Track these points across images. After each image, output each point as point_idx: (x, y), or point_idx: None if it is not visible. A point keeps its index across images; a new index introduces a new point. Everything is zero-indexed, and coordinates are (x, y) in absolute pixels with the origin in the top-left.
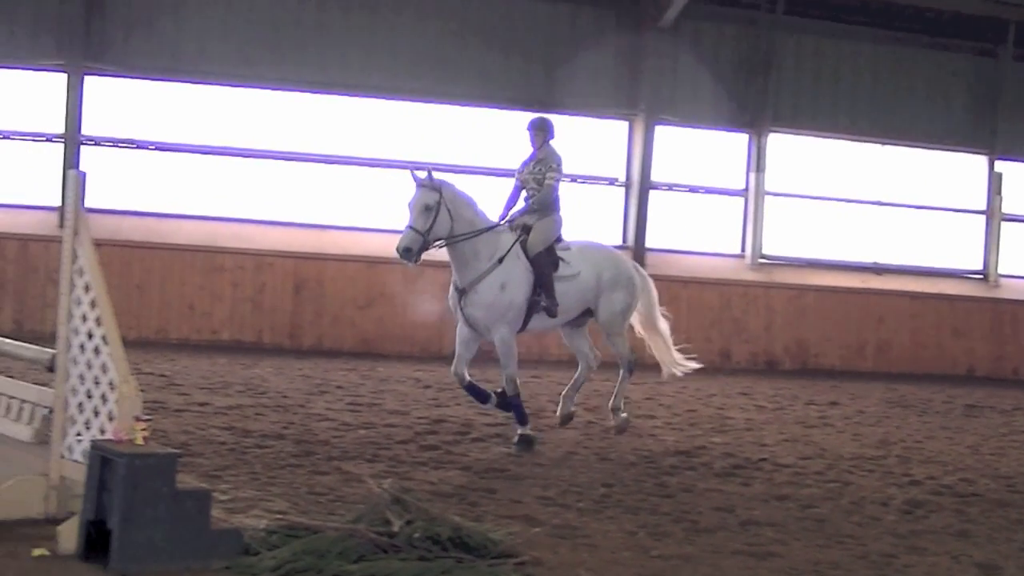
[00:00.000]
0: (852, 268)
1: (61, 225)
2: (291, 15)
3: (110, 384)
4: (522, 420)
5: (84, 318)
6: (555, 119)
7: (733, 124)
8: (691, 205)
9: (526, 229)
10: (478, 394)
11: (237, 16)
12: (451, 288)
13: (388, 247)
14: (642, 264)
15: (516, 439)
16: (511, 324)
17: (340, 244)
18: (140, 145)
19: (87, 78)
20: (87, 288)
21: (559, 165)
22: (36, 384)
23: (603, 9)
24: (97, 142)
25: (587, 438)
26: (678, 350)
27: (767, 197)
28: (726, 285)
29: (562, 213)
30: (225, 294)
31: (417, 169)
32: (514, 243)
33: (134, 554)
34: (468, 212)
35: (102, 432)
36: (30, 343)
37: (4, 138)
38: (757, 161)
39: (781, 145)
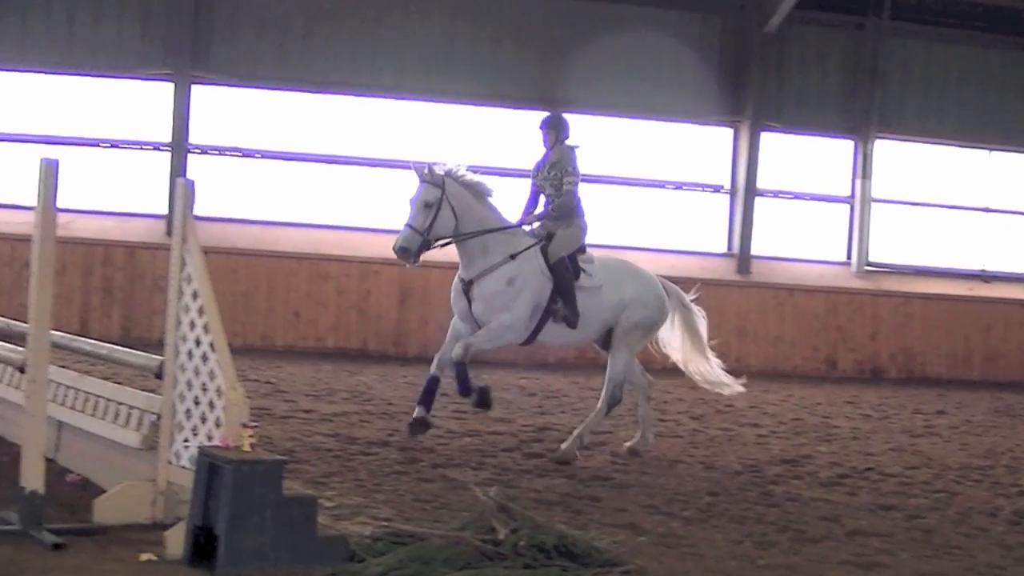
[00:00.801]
0: (959, 275)
1: (168, 233)
2: (396, 24)
3: (217, 391)
4: (463, 391)
5: (192, 325)
6: (656, 126)
7: (839, 130)
8: (796, 212)
9: (549, 236)
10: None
11: (345, 25)
12: (455, 279)
13: None
14: (747, 272)
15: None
16: (512, 319)
17: (445, 251)
18: (247, 153)
19: (194, 87)
20: (195, 295)
21: (575, 168)
22: (144, 390)
23: (708, 15)
24: (204, 150)
25: (692, 446)
26: (724, 369)
27: (873, 204)
28: (832, 293)
29: (587, 219)
30: (330, 301)
31: (422, 165)
32: (532, 245)
33: (240, 560)
34: (478, 209)
35: (209, 438)
36: (137, 350)
37: (112, 147)
38: (863, 167)
39: (887, 151)
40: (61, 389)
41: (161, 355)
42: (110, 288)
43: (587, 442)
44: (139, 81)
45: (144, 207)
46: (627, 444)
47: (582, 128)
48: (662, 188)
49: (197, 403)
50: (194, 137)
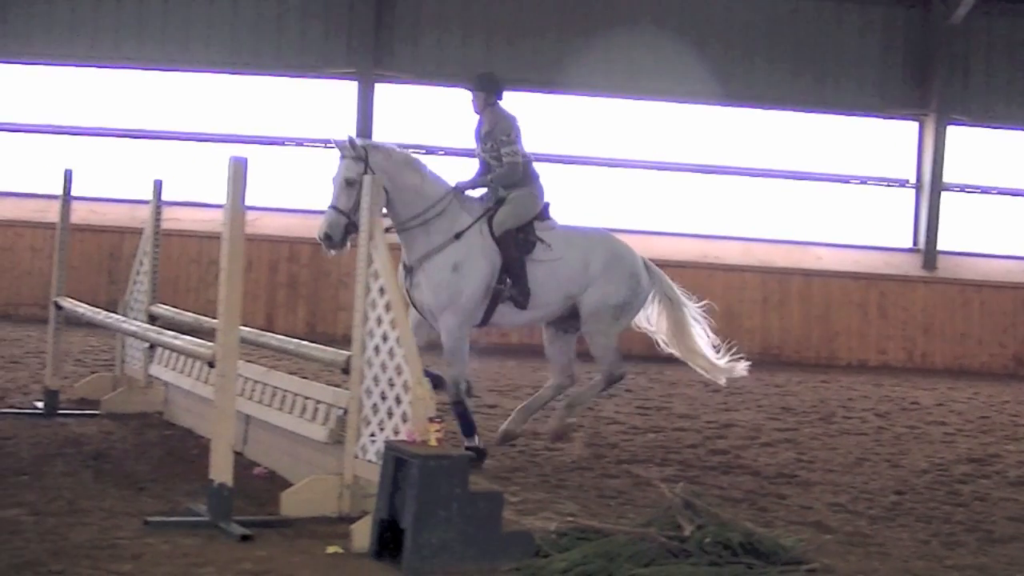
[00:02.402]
0: None
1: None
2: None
3: (404, 386)
4: (467, 431)
5: (379, 321)
6: (827, 119)
7: None
8: (984, 207)
9: (499, 202)
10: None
11: (531, 24)
12: (399, 267)
13: (678, 250)
14: (933, 267)
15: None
16: (463, 314)
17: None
18: (429, 150)
19: (377, 86)
20: (382, 291)
21: (515, 132)
22: (330, 385)
23: (891, 8)
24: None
25: (878, 444)
26: (724, 353)
27: None
28: (1021, 289)
29: (541, 184)
30: None
31: (343, 141)
32: (479, 218)
33: (426, 554)
34: (412, 178)
35: (396, 433)
36: (323, 345)
37: (298, 145)
38: None
39: None
40: (249, 383)
41: (347, 350)
42: (296, 284)
43: (576, 410)
44: (323, 80)
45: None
46: (501, 428)
47: (769, 124)
48: (846, 183)
49: (384, 398)
50: (378, 135)
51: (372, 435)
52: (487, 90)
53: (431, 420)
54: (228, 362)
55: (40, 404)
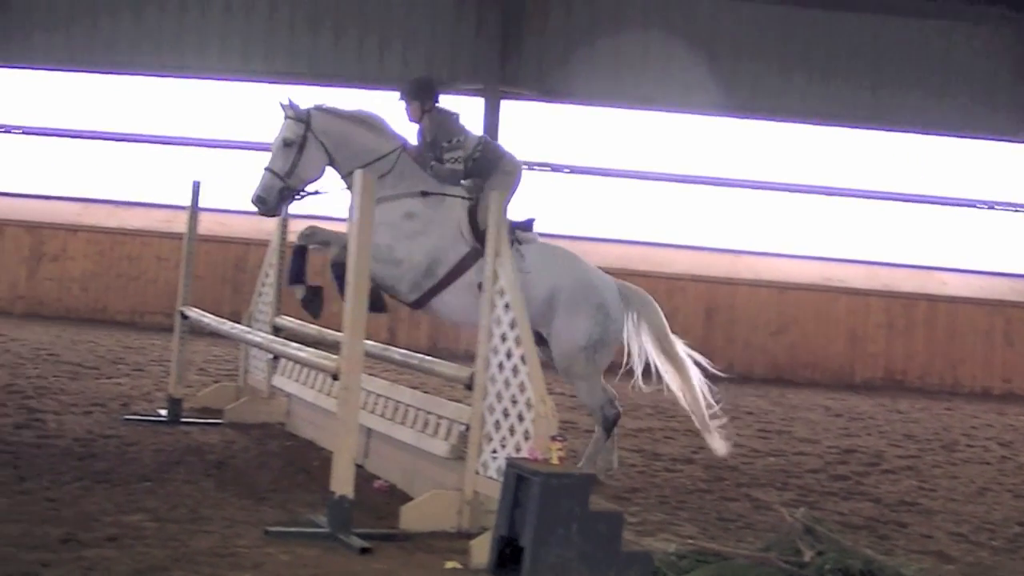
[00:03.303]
0: None
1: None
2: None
3: (527, 403)
4: (293, 277)
5: (504, 338)
6: (955, 142)
7: None
8: None
9: (478, 188)
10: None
11: (658, 42)
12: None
13: (800, 273)
14: None
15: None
16: (405, 257)
17: (753, 269)
18: (555, 168)
19: (503, 102)
20: (507, 308)
21: (457, 133)
22: (452, 400)
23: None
24: None
25: (1001, 474)
26: (713, 420)
27: None
28: None
29: (511, 154)
30: None
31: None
32: (458, 195)
33: (545, 572)
34: (362, 138)
35: (517, 450)
36: (445, 360)
37: None
38: None
39: None
40: (372, 397)
41: (471, 366)
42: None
43: (603, 466)
44: (450, 96)
45: None
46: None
47: (897, 147)
48: (973, 207)
49: (506, 415)
50: None
51: (493, 452)
52: (420, 98)
53: (553, 439)
54: (352, 375)
55: (164, 412)
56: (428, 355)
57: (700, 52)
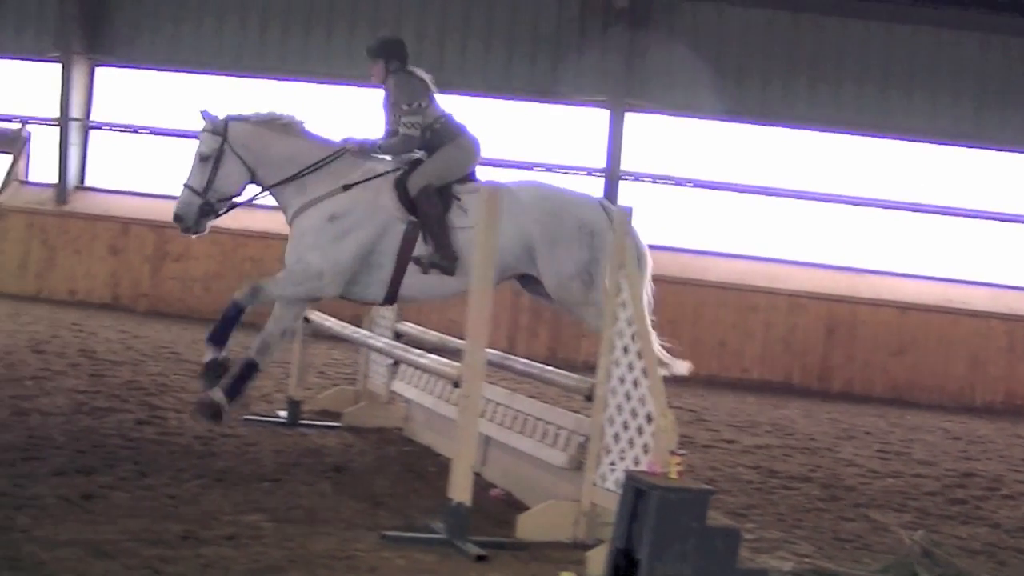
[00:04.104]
0: None
1: None
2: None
3: (647, 416)
4: (232, 392)
5: (625, 350)
6: None
7: None
8: None
9: (415, 163)
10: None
11: (782, 57)
12: None
13: (922, 293)
14: None
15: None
16: (332, 262)
17: (874, 288)
18: (678, 182)
19: (627, 115)
20: (630, 322)
21: (419, 98)
22: (571, 411)
23: None
24: (636, 177)
25: None
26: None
27: None
28: None
29: (474, 139)
30: (757, 333)
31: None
32: (380, 174)
33: None
34: (283, 147)
35: (636, 463)
36: (563, 371)
37: (547, 171)
38: None
39: None
40: (491, 405)
41: (590, 378)
42: (538, 309)
43: None
44: (575, 107)
45: None
46: None
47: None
48: None
49: (626, 427)
50: (626, 164)
51: (612, 464)
52: (385, 57)
53: (673, 452)
54: (473, 383)
55: (283, 413)
56: (547, 365)
57: (819, 70)
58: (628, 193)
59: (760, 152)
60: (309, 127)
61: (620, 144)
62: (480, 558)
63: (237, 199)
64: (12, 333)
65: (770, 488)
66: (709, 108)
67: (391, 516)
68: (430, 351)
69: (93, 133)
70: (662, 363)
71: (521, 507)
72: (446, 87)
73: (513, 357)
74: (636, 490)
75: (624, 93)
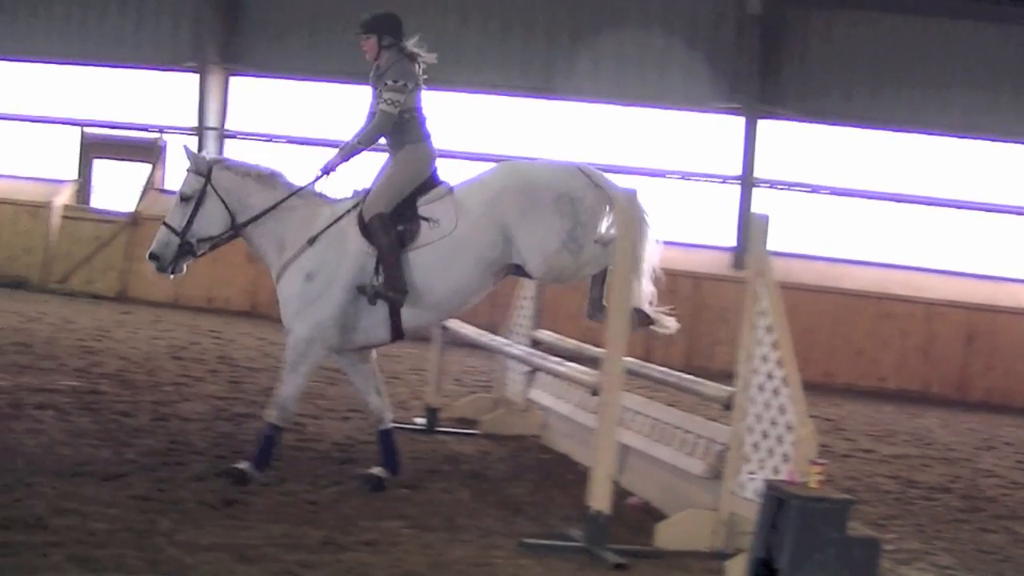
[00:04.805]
0: None
1: (734, 266)
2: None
3: (787, 425)
4: (261, 461)
5: (764, 359)
6: None
7: None
8: None
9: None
10: (388, 451)
11: (917, 66)
12: None
13: None
14: None
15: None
16: (320, 328)
17: (1015, 297)
18: (814, 189)
19: (762, 121)
20: (769, 329)
21: (403, 79)
22: (709, 420)
23: None
24: (772, 184)
25: None
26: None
27: None
28: None
29: (431, 143)
30: (894, 341)
31: (189, 151)
32: (342, 215)
33: None
34: (262, 196)
35: (775, 472)
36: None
37: (683, 178)
38: None
39: None
40: (629, 413)
41: (729, 386)
42: (675, 316)
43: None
44: (710, 115)
45: (710, 239)
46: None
47: None
48: None
49: (765, 436)
50: (761, 171)
51: (751, 473)
52: (376, 32)
53: (813, 462)
54: (612, 392)
55: (420, 420)
56: (682, 373)
57: (952, 76)
58: (763, 200)
59: (895, 158)
60: (289, 178)
61: (754, 151)
62: (619, 566)
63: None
64: (152, 340)
65: (909, 498)
66: (843, 114)
67: (529, 524)
68: (567, 359)
69: (228, 142)
70: (649, 319)
71: (659, 516)
72: (576, 95)
73: (650, 365)
74: (776, 499)
75: (758, 100)
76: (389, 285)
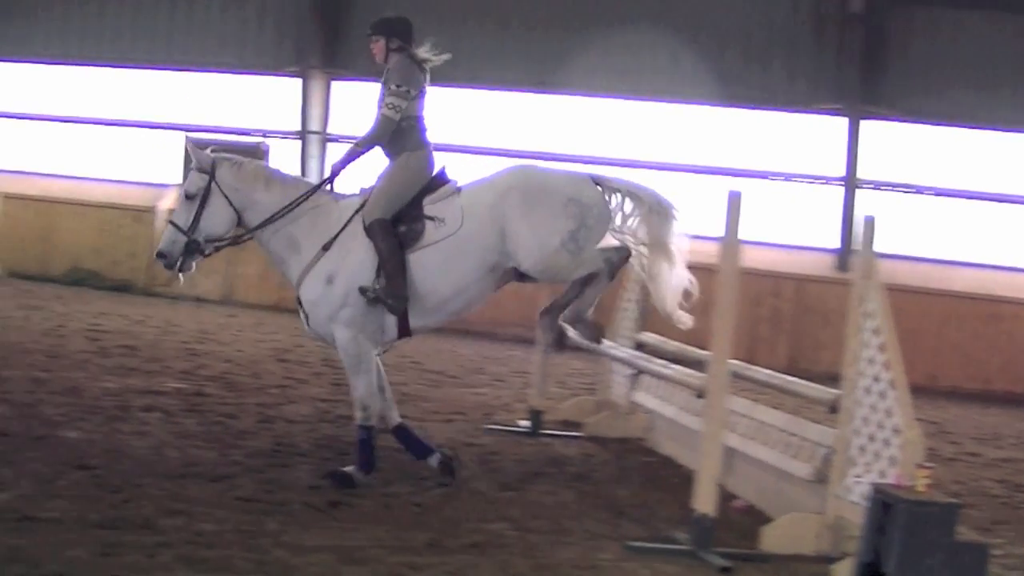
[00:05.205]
0: None
1: (839, 267)
2: None
3: (894, 428)
4: (364, 463)
5: (871, 361)
6: None
7: None
8: None
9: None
10: (411, 444)
11: (994, 66)
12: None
13: None
14: None
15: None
16: (353, 325)
17: None
18: (919, 190)
19: (864, 122)
20: (876, 332)
21: (406, 83)
22: (814, 423)
23: None
24: (876, 186)
25: None
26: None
27: None
28: None
29: (428, 150)
30: (1001, 344)
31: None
32: (351, 219)
33: None
34: (268, 196)
35: (882, 476)
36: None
37: (786, 180)
38: None
39: None
40: (733, 416)
41: (835, 389)
42: (778, 319)
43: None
44: (813, 115)
45: (814, 240)
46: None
47: None
48: None
49: (871, 439)
50: (864, 172)
51: (857, 476)
52: (385, 34)
53: (920, 466)
54: (718, 394)
55: (524, 423)
56: (788, 375)
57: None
58: (867, 201)
59: (1000, 158)
60: (290, 175)
61: (857, 152)
62: (724, 570)
63: (220, 241)
64: (256, 342)
65: (1017, 503)
66: (947, 114)
67: (634, 526)
68: (671, 361)
69: (331, 145)
70: (668, 314)
71: (764, 519)
72: (673, 97)
73: (754, 367)
74: (883, 503)
75: (861, 100)
76: (389, 291)
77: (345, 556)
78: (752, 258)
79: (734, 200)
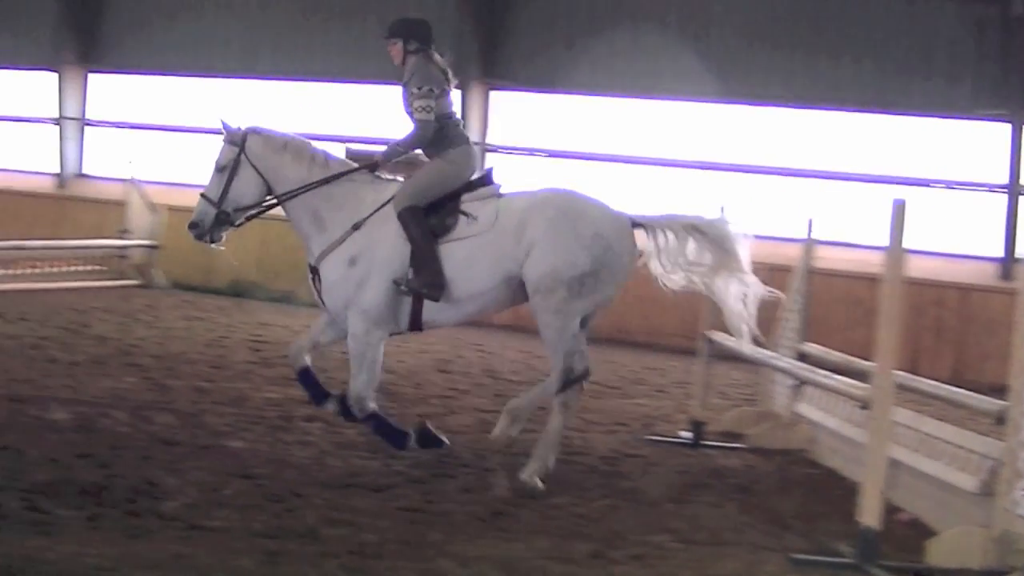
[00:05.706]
0: None
1: (1002, 276)
2: None
3: None
4: (397, 442)
5: None
6: None
7: None
8: None
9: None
10: (313, 389)
11: None
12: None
13: None
14: None
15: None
16: (368, 316)
17: None
18: None
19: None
20: None
21: (430, 85)
22: (980, 434)
23: None
24: None
25: None
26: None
27: None
28: None
29: (469, 147)
30: None
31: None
32: (387, 202)
33: None
34: (296, 169)
35: None
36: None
37: (947, 188)
38: None
39: None
40: (898, 428)
41: (1001, 400)
42: (941, 329)
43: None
44: (975, 122)
45: (977, 249)
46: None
47: None
48: None
49: None
50: None
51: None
52: (402, 37)
53: None
54: (883, 405)
55: (686, 434)
56: (952, 386)
57: None
58: None
59: None
60: (334, 155)
61: (1021, 158)
62: None
63: (251, 211)
64: (418, 353)
65: None
66: None
67: (798, 539)
68: (833, 372)
69: (489, 155)
70: (736, 333)
71: (928, 532)
72: (823, 103)
73: (918, 378)
74: None
75: (1021, 107)
76: (424, 280)
77: (508, 566)
78: (915, 267)
79: (898, 209)
